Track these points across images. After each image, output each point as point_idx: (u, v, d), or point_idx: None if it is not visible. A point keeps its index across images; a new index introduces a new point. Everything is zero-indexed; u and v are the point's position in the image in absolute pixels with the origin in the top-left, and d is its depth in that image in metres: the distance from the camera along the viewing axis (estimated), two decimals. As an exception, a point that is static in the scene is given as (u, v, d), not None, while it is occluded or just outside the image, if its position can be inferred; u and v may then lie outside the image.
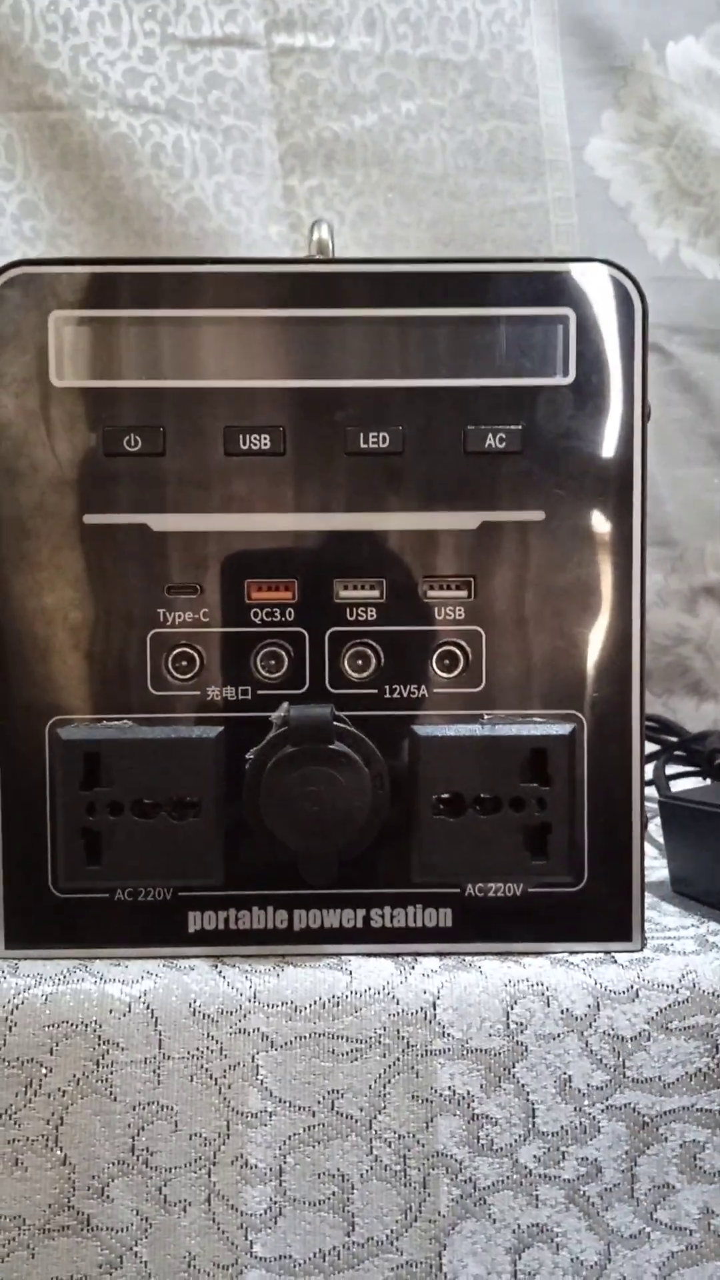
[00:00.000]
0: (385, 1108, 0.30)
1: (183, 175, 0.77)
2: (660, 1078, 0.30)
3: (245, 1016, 0.30)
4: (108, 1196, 0.29)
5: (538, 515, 0.31)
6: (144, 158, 0.76)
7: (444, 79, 0.78)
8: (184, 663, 0.32)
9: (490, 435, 0.31)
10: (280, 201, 0.78)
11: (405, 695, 0.32)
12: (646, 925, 0.32)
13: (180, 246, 0.77)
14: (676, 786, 0.48)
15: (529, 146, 0.78)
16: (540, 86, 0.78)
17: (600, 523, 0.31)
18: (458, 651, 0.32)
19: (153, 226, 0.77)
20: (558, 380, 0.31)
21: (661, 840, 0.39)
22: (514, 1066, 0.30)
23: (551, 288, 0.31)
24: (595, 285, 0.31)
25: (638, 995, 0.30)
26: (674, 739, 0.57)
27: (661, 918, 0.35)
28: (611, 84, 0.79)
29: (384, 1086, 0.30)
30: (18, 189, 0.77)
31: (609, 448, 0.31)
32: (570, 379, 0.31)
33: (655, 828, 0.41)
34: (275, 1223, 0.30)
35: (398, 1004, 0.30)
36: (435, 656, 0.32)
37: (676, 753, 0.54)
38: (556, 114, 0.79)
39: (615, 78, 0.79)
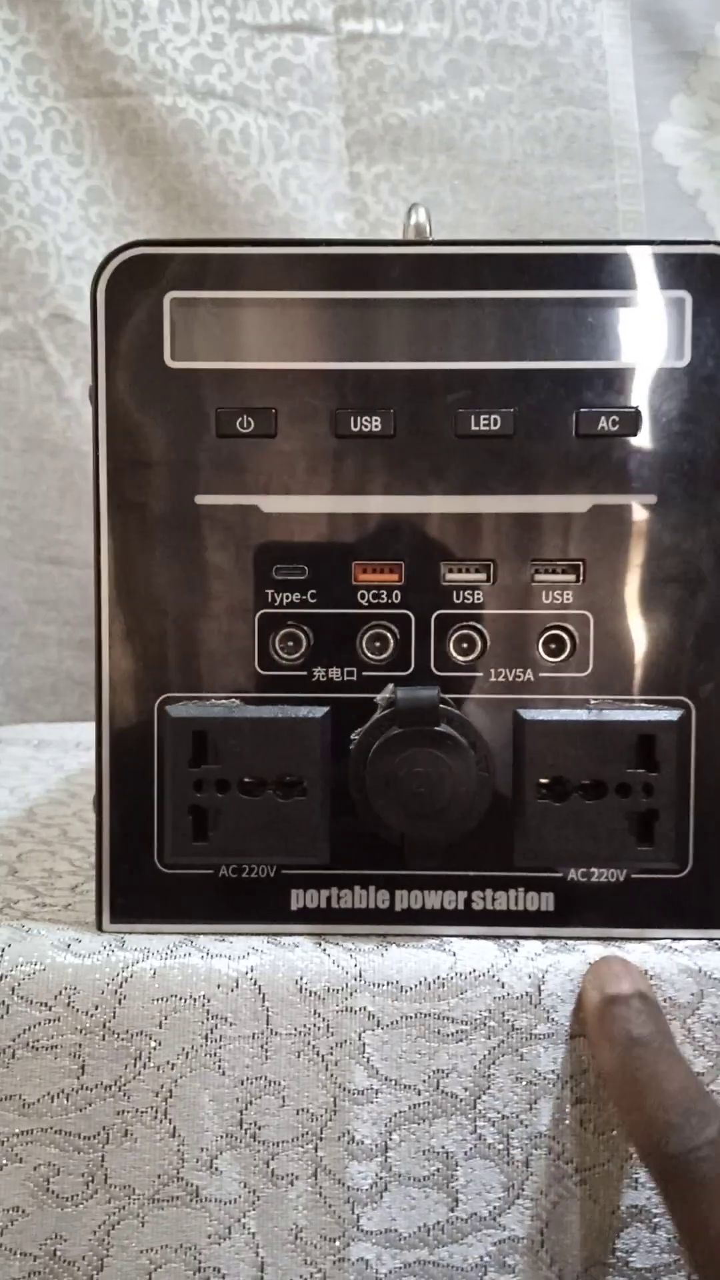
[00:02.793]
0: (489, 1089, 0.30)
1: (249, 162, 0.77)
2: (766, 1065, 0.30)
3: (351, 995, 0.30)
4: (216, 1169, 0.30)
5: (650, 499, 0.31)
6: (211, 144, 0.77)
7: (512, 65, 0.77)
8: (290, 643, 0.32)
9: (603, 418, 0.31)
10: (346, 188, 0.78)
11: (511, 679, 0.32)
12: (748, 913, 0.32)
13: (246, 233, 0.77)
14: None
15: (597, 133, 0.77)
16: (609, 72, 0.78)
17: (713, 507, 0.31)
18: (565, 636, 0.32)
19: (219, 213, 0.77)
20: (673, 363, 0.31)
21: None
22: (619, 1050, 0.30)
23: (667, 270, 0.31)
24: (708, 267, 0.31)
25: (743, 983, 0.30)
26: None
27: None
28: (682, 69, 0.78)
29: (488, 1068, 0.30)
30: (85, 175, 0.78)
31: (723, 432, 0.31)
32: (685, 362, 0.31)
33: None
34: (381, 1198, 0.30)
35: (502, 987, 0.30)
36: (542, 640, 0.32)
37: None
38: (625, 100, 0.78)
39: (686, 63, 0.78)
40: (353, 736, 0.31)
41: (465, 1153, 0.30)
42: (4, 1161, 0.30)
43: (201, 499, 0.32)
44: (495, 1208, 0.30)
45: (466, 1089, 0.30)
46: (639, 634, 0.32)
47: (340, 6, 0.77)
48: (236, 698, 0.32)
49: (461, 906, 0.32)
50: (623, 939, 0.32)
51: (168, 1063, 0.30)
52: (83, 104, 0.77)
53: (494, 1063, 0.30)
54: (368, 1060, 0.30)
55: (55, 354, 0.77)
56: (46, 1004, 0.30)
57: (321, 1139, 0.30)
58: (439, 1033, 0.30)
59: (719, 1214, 0.24)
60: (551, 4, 0.77)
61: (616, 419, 0.31)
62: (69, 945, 0.31)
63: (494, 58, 0.77)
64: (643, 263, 0.31)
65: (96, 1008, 0.30)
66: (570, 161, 0.78)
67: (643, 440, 0.31)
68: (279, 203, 0.77)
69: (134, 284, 0.31)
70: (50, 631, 0.80)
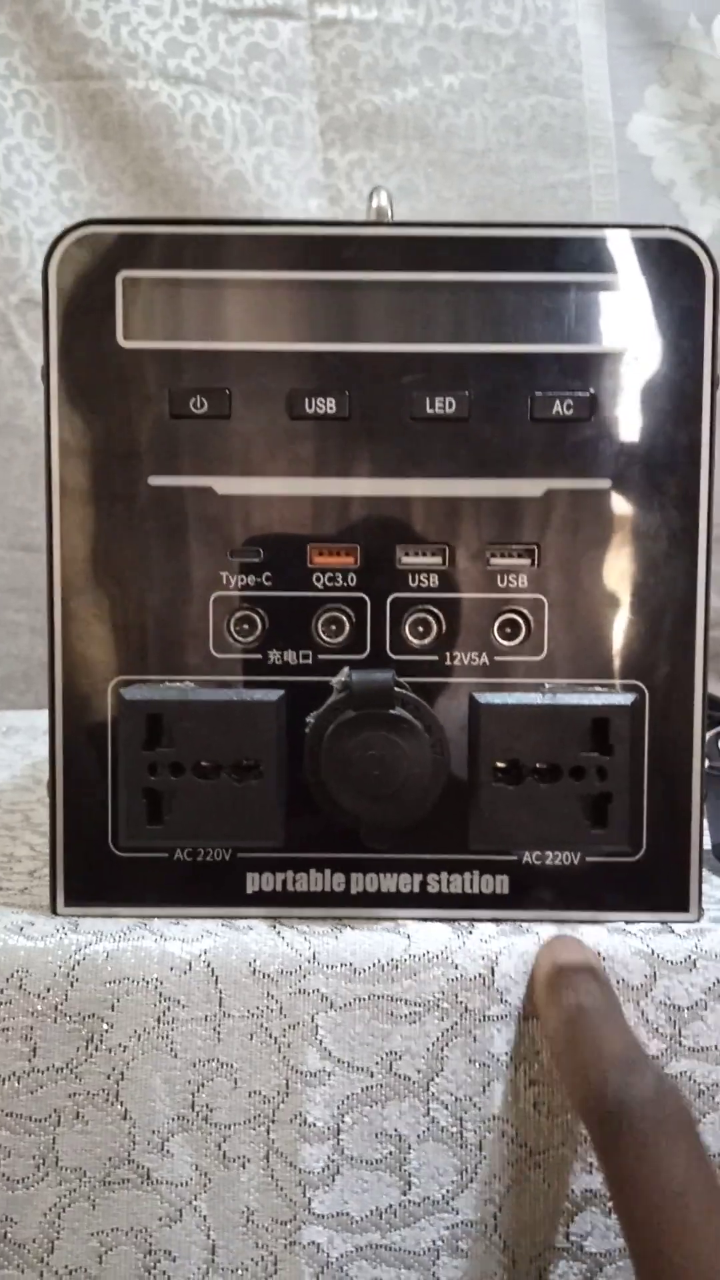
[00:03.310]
0: (442, 1070, 0.30)
1: (223, 147, 0.77)
2: (716, 1047, 0.30)
3: (305, 977, 0.30)
4: (168, 1151, 0.30)
5: (603, 484, 0.31)
6: (184, 129, 0.76)
7: (487, 53, 0.77)
8: (245, 626, 0.32)
9: (558, 402, 0.31)
10: (320, 174, 0.78)
11: (466, 662, 0.32)
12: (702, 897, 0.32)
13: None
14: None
15: (571, 122, 0.78)
16: (584, 61, 0.78)
17: (667, 492, 0.31)
18: (520, 619, 0.32)
19: (192, 198, 0.77)
20: (629, 347, 0.31)
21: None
22: (571, 1032, 0.30)
23: (622, 254, 0.31)
24: (666, 252, 0.31)
25: (695, 965, 0.30)
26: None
27: (714, 890, 0.35)
28: (656, 59, 0.78)
29: (441, 1050, 0.30)
30: (57, 159, 0.77)
31: (678, 416, 0.31)
32: (642, 346, 0.31)
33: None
34: (333, 1180, 0.30)
35: (456, 969, 0.30)
36: (497, 624, 0.32)
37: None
38: (600, 90, 0.78)
39: (660, 53, 0.78)
40: (308, 720, 0.31)
41: (418, 1135, 0.30)
42: (-46, 1145, 0.30)
43: (155, 480, 0.31)
44: (448, 1191, 0.30)
45: (419, 1071, 0.30)
46: (594, 618, 0.32)
47: (314, -8, 0.77)
48: (191, 681, 0.32)
49: (417, 889, 0.32)
50: (577, 921, 0.32)
51: (120, 1045, 0.30)
52: (54, 87, 0.77)
53: (447, 1044, 0.30)
54: (320, 1042, 0.30)
55: (27, 339, 0.76)
56: (-3, 987, 0.29)
57: (274, 1121, 0.30)
58: (392, 1014, 0.30)
59: (646, 1163, 0.25)
60: (526, -8, 0.77)
61: (572, 403, 0.31)
62: (22, 928, 0.30)
63: (468, 45, 0.77)
64: (600, 246, 0.31)
65: (49, 990, 0.30)
66: (544, 151, 0.78)
67: (598, 424, 0.31)
68: (252, 188, 0.77)
69: (86, 263, 0.31)
70: (22, 619, 0.79)
